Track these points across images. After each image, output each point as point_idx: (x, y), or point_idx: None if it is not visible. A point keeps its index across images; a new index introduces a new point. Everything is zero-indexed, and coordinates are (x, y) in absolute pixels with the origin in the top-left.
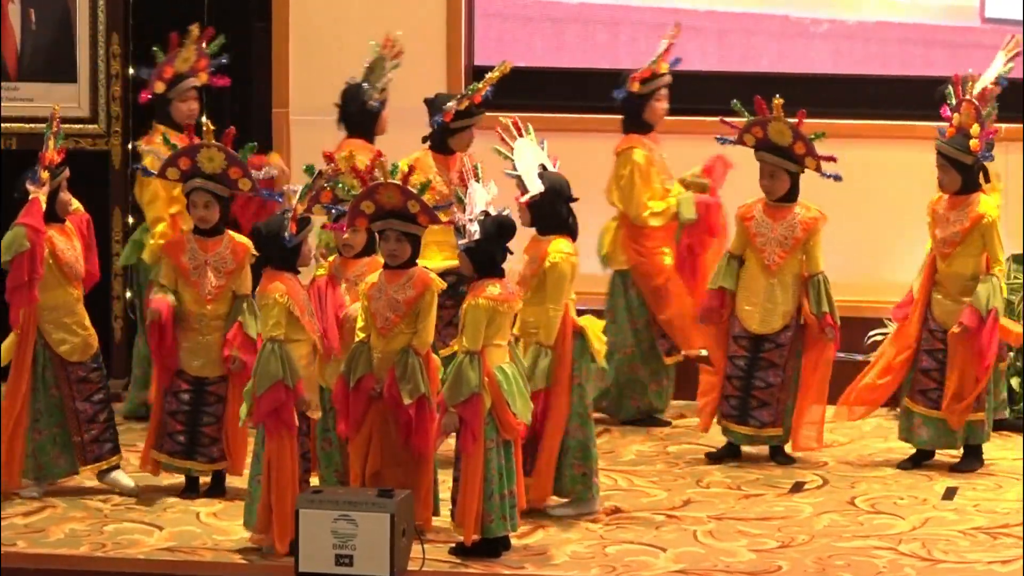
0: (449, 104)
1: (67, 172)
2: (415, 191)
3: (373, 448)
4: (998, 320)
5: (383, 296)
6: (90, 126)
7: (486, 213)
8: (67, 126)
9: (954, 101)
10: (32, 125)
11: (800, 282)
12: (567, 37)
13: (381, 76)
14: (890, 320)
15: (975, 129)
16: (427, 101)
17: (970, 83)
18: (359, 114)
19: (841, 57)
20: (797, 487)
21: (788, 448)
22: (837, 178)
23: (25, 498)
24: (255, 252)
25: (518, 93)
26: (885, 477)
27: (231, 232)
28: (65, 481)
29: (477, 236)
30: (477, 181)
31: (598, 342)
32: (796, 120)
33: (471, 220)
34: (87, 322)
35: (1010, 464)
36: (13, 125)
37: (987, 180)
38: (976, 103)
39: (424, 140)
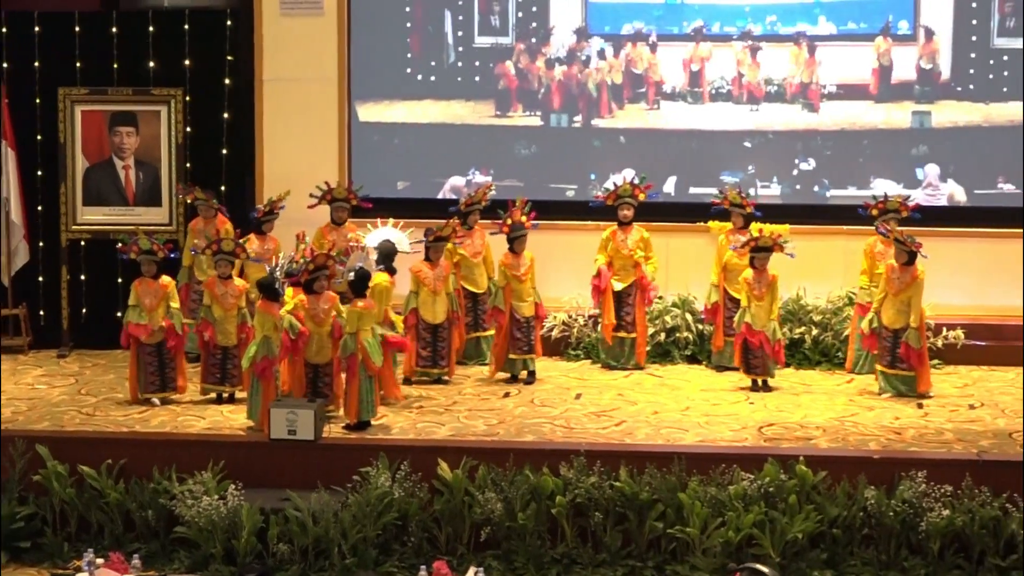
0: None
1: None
2: (334, 257)
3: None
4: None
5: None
6: (169, 227)
7: (360, 268)
8: (153, 228)
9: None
10: (143, 227)
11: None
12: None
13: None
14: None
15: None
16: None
17: None
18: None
19: None
20: (507, 395)
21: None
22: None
23: (147, 405)
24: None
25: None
26: (548, 389)
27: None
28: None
29: (352, 279)
30: (362, 251)
31: (398, 326)
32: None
33: (350, 271)
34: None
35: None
36: (130, 228)
37: None
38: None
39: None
